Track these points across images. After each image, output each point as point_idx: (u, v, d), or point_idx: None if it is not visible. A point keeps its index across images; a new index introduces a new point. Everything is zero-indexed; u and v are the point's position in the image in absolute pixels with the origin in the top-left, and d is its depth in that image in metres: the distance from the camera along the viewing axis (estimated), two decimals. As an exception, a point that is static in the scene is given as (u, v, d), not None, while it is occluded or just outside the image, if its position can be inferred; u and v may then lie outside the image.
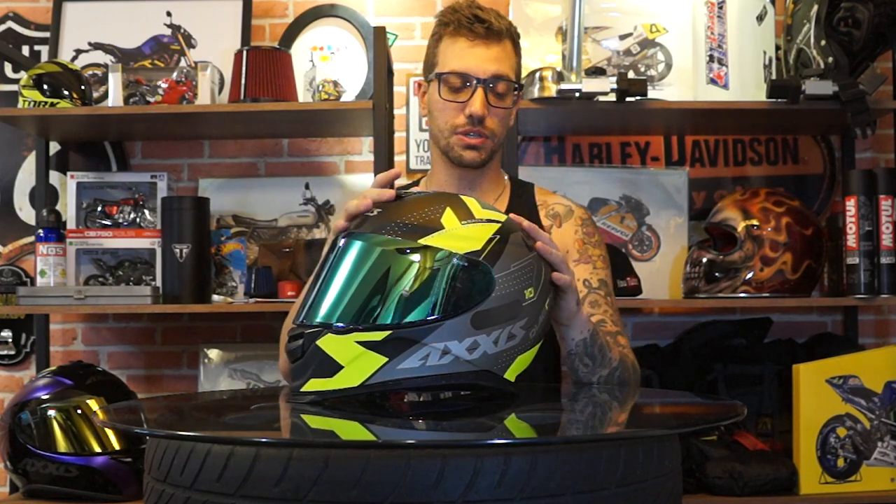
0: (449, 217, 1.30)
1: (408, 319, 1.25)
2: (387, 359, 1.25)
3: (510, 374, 1.33)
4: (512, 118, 1.82)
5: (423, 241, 1.27)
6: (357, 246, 1.31)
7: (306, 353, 1.28)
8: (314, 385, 1.28)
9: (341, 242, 1.33)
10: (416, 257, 1.27)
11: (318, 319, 1.28)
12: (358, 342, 1.25)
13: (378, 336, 1.25)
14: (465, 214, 1.31)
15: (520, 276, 1.31)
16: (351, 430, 1.19)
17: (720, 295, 2.26)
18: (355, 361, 1.25)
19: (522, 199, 1.81)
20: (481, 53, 1.72)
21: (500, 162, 1.85)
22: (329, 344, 1.26)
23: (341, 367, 1.26)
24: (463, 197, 1.36)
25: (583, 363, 1.55)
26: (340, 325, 1.26)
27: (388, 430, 1.22)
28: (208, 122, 2.43)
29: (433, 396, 1.33)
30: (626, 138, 2.64)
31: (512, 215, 1.39)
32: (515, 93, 1.77)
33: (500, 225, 1.33)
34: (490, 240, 1.30)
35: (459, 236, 1.28)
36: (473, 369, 1.28)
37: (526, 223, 1.39)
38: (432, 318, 1.24)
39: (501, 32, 1.73)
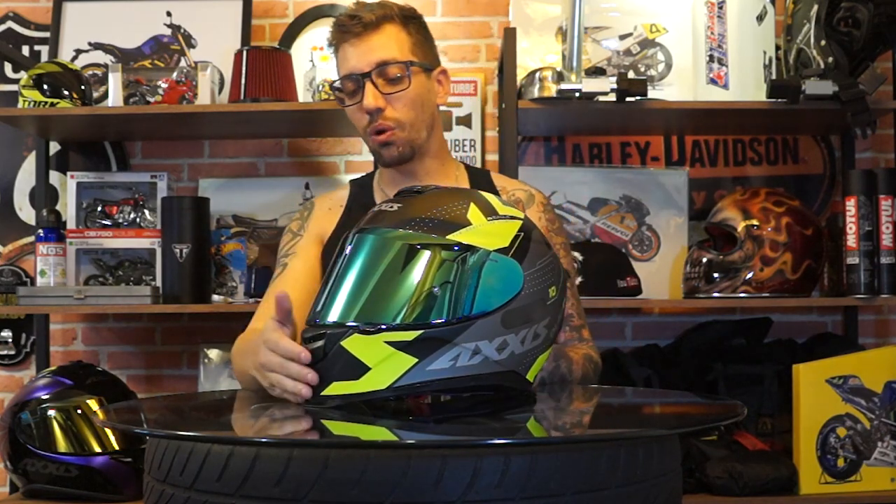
0: (475, 213, 1.26)
1: (441, 318, 1.19)
2: (417, 359, 1.20)
3: (530, 375, 1.30)
4: (440, 95, 1.77)
5: (451, 237, 1.22)
6: (373, 241, 1.25)
7: (329, 354, 1.21)
8: (338, 388, 1.21)
9: (354, 238, 1.27)
10: (446, 254, 1.21)
11: (336, 319, 1.22)
12: (387, 342, 1.19)
13: (409, 336, 1.19)
14: (488, 210, 1.27)
15: (544, 274, 1.27)
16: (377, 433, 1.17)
17: (720, 295, 2.26)
18: (384, 363, 1.19)
19: (481, 187, 1.77)
20: (358, 49, 1.70)
21: (444, 149, 1.82)
22: (356, 345, 1.20)
23: (368, 369, 1.20)
24: (483, 193, 1.32)
25: (552, 383, 1.55)
26: (368, 325, 1.20)
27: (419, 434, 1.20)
28: (208, 122, 2.44)
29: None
30: (626, 138, 2.64)
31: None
32: (425, 70, 1.72)
33: (521, 222, 1.29)
34: (516, 237, 1.26)
35: (487, 233, 1.24)
36: (501, 370, 1.24)
37: None
38: (465, 316, 1.20)
39: (374, 22, 1.70)
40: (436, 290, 1.20)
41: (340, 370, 1.21)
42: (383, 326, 1.20)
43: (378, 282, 1.22)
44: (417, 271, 1.21)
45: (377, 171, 1.88)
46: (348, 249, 1.27)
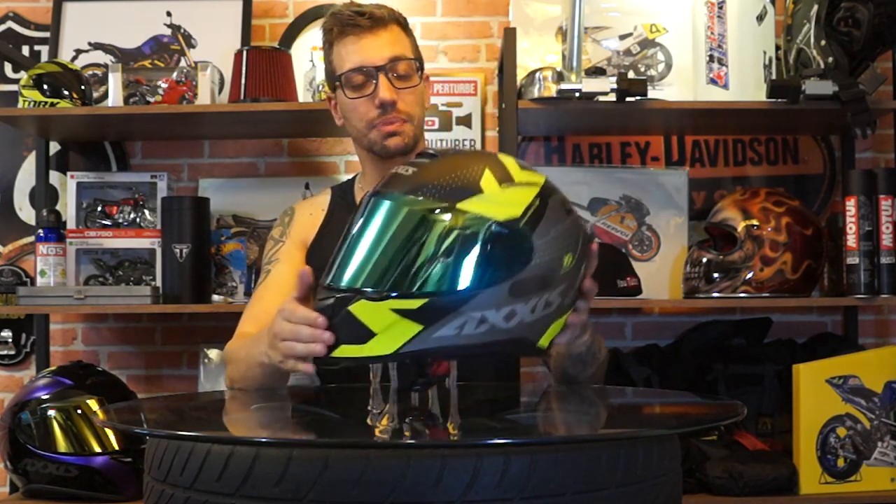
0: (488, 180, 1.23)
1: (446, 288, 1.18)
2: (422, 327, 1.19)
3: (543, 341, 1.28)
4: (427, 99, 1.81)
5: (460, 206, 1.20)
6: (386, 206, 1.23)
7: (336, 318, 1.22)
8: (346, 351, 1.22)
9: (370, 201, 1.25)
10: (453, 223, 1.19)
11: (346, 282, 1.22)
12: (393, 310, 1.19)
13: (414, 304, 1.18)
14: (503, 177, 1.24)
15: (559, 242, 1.25)
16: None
17: (720, 295, 2.26)
18: (389, 329, 1.19)
19: None
20: (371, 42, 1.72)
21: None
22: (362, 310, 1.20)
23: (374, 335, 1.20)
24: (501, 156, 1.29)
25: (573, 366, 1.55)
26: (374, 291, 1.19)
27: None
28: (208, 122, 2.43)
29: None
30: (626, 138, 2.64)
31: None
32: (419, 72, 1.76)
33: (539, 187, 1.26)
34: (530, 205, 1.23)
35: (498, 201, 1.21)
36: (509, 338, 1.23)
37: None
38: (470, 286, 1.19)
39: (384, 19, 1.73)
40: (442, 259, 1.18)
41: (347, 334, 1.21)
42: (390, 294, 1.19)
43: (385, 248, 1.21)
44: (423, 239, 1.19)
45: (358, 174, 1.89)
46: (361, 212, 1.26)
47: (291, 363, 1.32)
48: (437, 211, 1.20)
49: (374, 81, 1.71)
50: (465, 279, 1.18)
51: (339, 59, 1.75)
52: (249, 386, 1.57)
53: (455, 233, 1.19)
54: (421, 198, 1.21)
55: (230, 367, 1.63)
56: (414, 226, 1.20)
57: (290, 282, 1.71)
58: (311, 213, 1.84)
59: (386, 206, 1.23)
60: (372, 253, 1.21)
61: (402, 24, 1.77)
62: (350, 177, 1.95)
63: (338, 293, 1.22)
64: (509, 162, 1.27)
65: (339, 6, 1.78)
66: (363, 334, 1.20)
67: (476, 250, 1.19)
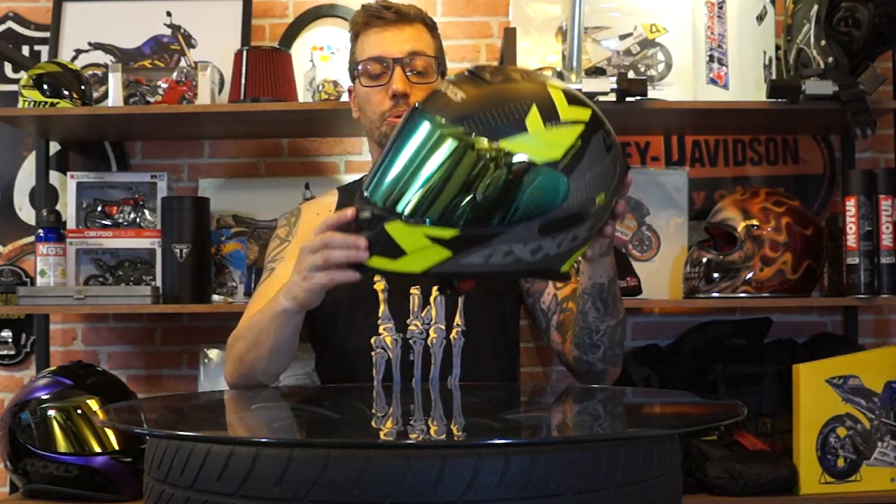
0: (533, 118, 1.24)
1: (479, 222, 1.23)
2: (451, 254, 1.25)
3: (565, 268, 1.33)
4: None
5: (503, 144, 1.22)
6: (429, 130, 1.24)
7: (373, 231, 1.27)
8: (378, 263, 1.28)
9: (413, 118, 1.27)
10: (494, 161, 1.21)
11: (383, 200, 1.26)
12: (427, 236, 1.24)
13: (447, 234, 1.24)
14: (550, 114, 1.24)
15: (595, 183, 1.27)
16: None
17: (720, 295, 2.26)
18: (420, 252, 1.26)
19: None
20: (393, 36, 1.76)
21: None
22: (397, 230, 1.26)
23: (404, 254, 1.26)
24: (551, 87, 1.28)
25: (595, 307, 1.57)
26: (412, 218, 1.24)
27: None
28: (208, 122, 2.43)
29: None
30: (626, 138, 2.64)
31: None
32: (441, 74, 1.80)
33: (584, 126, 1.27)
34: (571, 146, 1.24)
35: (541, 142, 1.23)
36: (532, 268, 1.29)
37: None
38: (502, 223, 1.23)
39: (410, 16, 1.79)
40: (479, 195, 1.22)
41: (381, 248, 1.27)
42: (426, 221, 1.24)
43: (424, 175, 1.24)
44: (463, 172, 1.22)
45: (366, 175, 1.89)
46: (405, 127, 1.28)
47: (321, 276, 1.37)
48: (480, 147, 1.22)
49: (390, 73, 1.74)
50: (498, 216, 1.23)
51: (361, 49, 1.80)
52: (260, 354, 1.58)
53: (493, 170, 1.22)
54: (465, 129, 1.23)
55: (238, 345, 1.63)
56: (455, 158, 1.22)
57: None
58: (317, 212, 1.85)
59: (428, 129, 1.25)
60: (411, 177, 1.25)
61: (429, 24, 1.82)
62: (357, 177, 1.96)
63: (375, 208, 1.27)
64: (558, 96, 1.28)
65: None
66: (395, 251, 1.26)
67: (512, 189, 1.22)
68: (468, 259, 1.25)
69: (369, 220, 1.27)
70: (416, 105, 1.27)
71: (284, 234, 1.86)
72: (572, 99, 1.28)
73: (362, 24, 1.80)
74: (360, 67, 1.79)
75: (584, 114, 1.28)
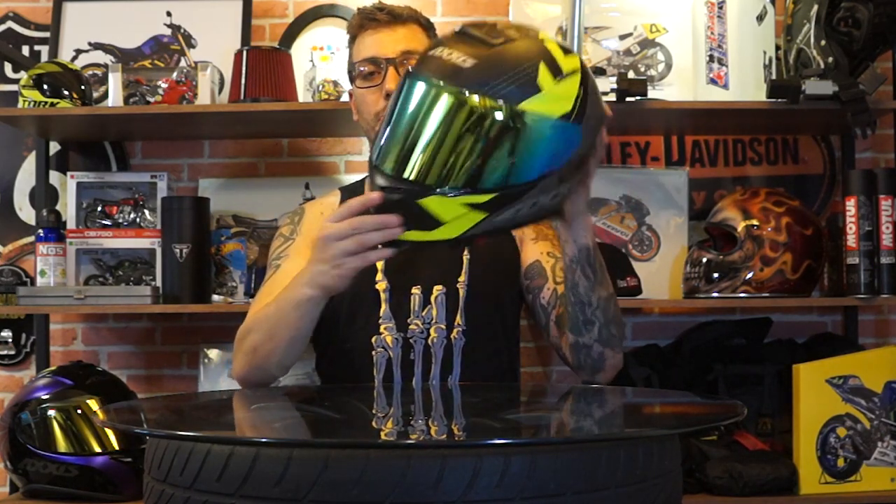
0: (544, 75, 1.30)
1: (512, 182, 1.29)
2: (486, 214, 1.31)
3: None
4: None
5: (522, 106, 1.28)
6: (448, 101, 1.29)
7: (405, 209, 1.31)
8: (414, 235, 1.33)
9: (428, 90, 1.30)
10: (518, 123, 1.27)
11: (413, 176, 1.30)
12: (465, 204, 1.29)
13: (484, 198, 1.29)
14: (556, 69, 1.32)
15: (596, 122, 1.36)
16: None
17: (720, 295, 2.26)
18: (458, 219, 1.31)
19: None
20: (386, 37, 1.79)
21: None
22: (434, 204, 1.30)
23: (441, 224, 1.31)
24: (545, 40, 1.36)
25: (584, 274, 1.56)
26: (450, 189, 1.28)
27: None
28: (208, 122, 2.43)
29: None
30: (626, 138, 2.64)
31: None
32: None
33: (580, 75, 1.34)
34: (577, 96, 1.32)
35: (554, 97, 1.30)
36: (550, 211, 1.38)
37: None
38: (532, 179, 1.30)
39: (403, 16, 1.81)
40: (508, 157, 1.27)
41: (415, 222, 1.32)
42: (463, 191, 1.29)
43: (451, 146, 1.28)
44: (489, 138, 1.27)
45: (367, 176, 1.90)
46: (424, 101, 1.31)
47: (354, 260, 1.40)
48: (501, 112, 1.27)
49: (384, 73, 1.76)
50: (528, 173, 1.30)
51: (357, 51, 1.82)
52: (277, 345, 1.58)
53: (518, 132, 1.28)
54: (482, 96, 1.28)
55: (252, 337, 1.63)
56: (479, 125, 1.27)
57: None
58: (321, 211, 1.86)
59: (447, 101, 1.29)
60: (437, 149, 1.29)
61: (424, 24, 1.84)
62: (359, 178, 1.96)
63: (404, 185, 1.30)
64: (554, 48, 1.35)
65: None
66: (431, 224, 1.31)
67: (538, 147, 1.29)
68: (501, 216, 1.31)
69: (399, 201, 1.31)
70: (427, 76, 1.31)
71: (288, 232, 1.86)
72: (564, 49, 1.36)
73: (357, 26, 1.82)
74: (355, 69, 1.82)
75: (576, 62, 1.36)
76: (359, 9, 1.85)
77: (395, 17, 1.80)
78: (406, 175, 1.30)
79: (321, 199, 1.97)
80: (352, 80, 1.86)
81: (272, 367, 1.62)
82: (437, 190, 1.29)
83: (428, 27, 1.85)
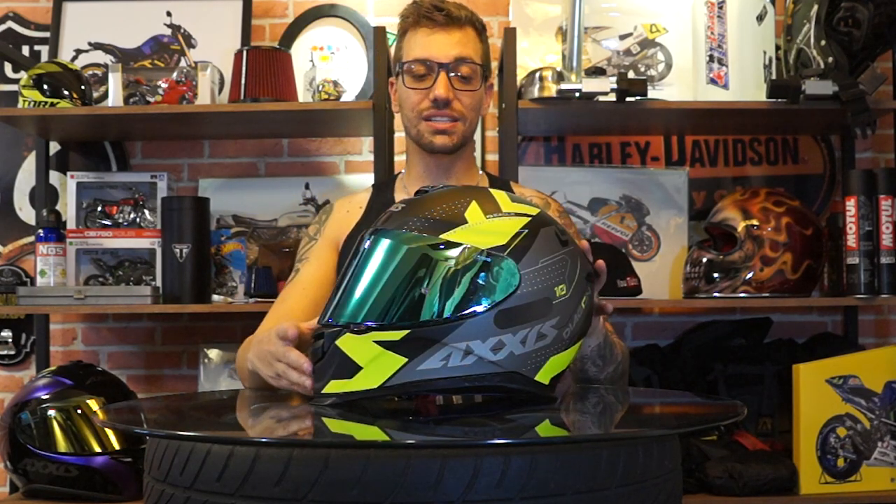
0: (473, 211, 1.24)
1: (426, 318, 1.18)
2: (406, 359, 1.20)
3: (542, 376, 1.26)
4: (485, 106, 1.85)
5: (444, 237, 1.21)
6: (371, 241, 1.26)
7: (327, 353, 1.24)
8: (334, 387, 1.24)
9: (367, 243, 1.27)
10: (435, 253, 1.20)
11: (343, 319, 1.24)
12: (376, 342, 1.20)
13: (396, 336, 1.20)
14: (491, 208, 1.25)
15: (550, 272, 1.23)
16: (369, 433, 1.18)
17: (720, 295, 2.26)
18: (374, 362, 1.21)
19: None
20: (441, 39, 1.76)
21: (473, 156, 1.90)
22: (348, 344, 1.22)
23: (360, 368, 1.21)
24: (493, 191, 1.30)
25: (594, 364, 1.56)
26: (355, 324, 1.21)
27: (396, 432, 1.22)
28: (208, 122, 2.43)
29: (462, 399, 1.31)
30: (626, 138, 2.64)
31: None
32: (484, 79, 1.80)
33: (529, 218, 1.26)
34: (517, 234, 1.23)
35: (483, 230, 1.22)
36: (499, 370, 1.22)
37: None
38: (452, 316, 1.18)
39: (461, 19, 1.78)
40: (423, 289, 1.19)
41: (336, 369, 1.24)
42: (372, 325, 1.21)
43: (370, 282, 1.24)
44: (403, 270, 1.21)
45: (402, 172, 1.90)
46: (358, 253, 1.29)
47: (281, 383, 1.41)
48: (418, 242, 1.21)
49: (435, 76, 1.75)
50: (447, 308, 1.19)
51: (409, 47, 1.79)
52: (250, 384, 1.59)
53: (436, 262, 1.20)
54: (405, 231, 1.23)
55: (240, 362, 1.65)
56: (394, 258, 1.22)
57: (316, 282, 1.74)
58: (347, 210, 1.86)
59: (370, 241, 1.26)
60: (357, 288, 1.24)
61: (478, 28, 1.80)
62: (362, 177, 1.97)
63: (326, 329, 1.26)
64: (501, 196, 1.29)
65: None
66: (351, 369, 1.22)
67: (457, 279, 1.19)
68: (425, 364, 1.19)
69: (323, 346, 1.25)
70: (371, 230, 1.28)
71: (314, 231, 1.87)
72: (517, 199, 1.30)
73: (412, 21, 1.78)
74: (404, 66, 1.79)
75: (531, 210, 1.29)
76: (414, 2, 1.80)
77: (453, 20, 1.75)
78: (335, 319, 1.25)
79: (352, 195, 1.96)
80: (396, 73, 1.83)
81: (255, 393, 1.62)
82: (352, 327, 1.21)
83: (482, 31, 1.81)
